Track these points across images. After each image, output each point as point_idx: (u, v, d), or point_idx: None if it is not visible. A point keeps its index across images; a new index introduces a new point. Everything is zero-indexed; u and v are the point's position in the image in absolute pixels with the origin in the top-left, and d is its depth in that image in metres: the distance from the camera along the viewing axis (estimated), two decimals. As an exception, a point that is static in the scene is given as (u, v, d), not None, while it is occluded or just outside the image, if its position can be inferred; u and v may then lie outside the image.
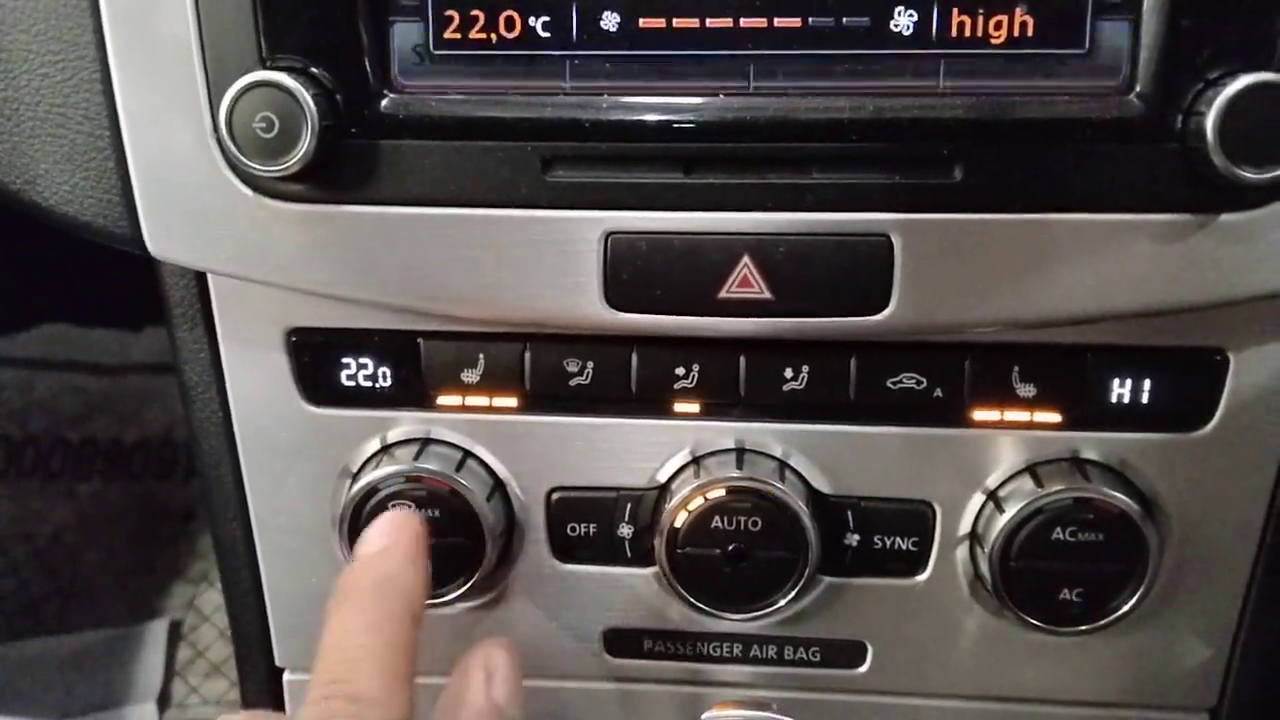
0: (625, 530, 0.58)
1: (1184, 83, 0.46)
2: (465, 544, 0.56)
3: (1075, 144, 0.47)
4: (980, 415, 0.55)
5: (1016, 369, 0.54)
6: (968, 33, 0.47)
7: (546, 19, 0.48)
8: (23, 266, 1.28)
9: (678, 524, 0.55)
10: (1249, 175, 0.45)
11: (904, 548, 0.57)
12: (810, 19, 0.47)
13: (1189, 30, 0.46)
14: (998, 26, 0.47)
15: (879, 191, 0.48)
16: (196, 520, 1.26)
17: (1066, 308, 0.49)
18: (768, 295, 0.50)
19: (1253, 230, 0.47)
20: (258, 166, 0.48)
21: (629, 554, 0.59)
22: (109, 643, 1.13)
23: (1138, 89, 0.47)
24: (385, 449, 0.58)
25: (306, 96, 0.47)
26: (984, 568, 0.55)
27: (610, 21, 0.48)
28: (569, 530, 0.59)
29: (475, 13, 0.48)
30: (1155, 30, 0.46)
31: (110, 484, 1.27)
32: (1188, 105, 0.46)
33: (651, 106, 0.48)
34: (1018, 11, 0.47)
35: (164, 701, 1.09)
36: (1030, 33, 0.47)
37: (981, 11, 0.47)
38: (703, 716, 0.47)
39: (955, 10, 0.47)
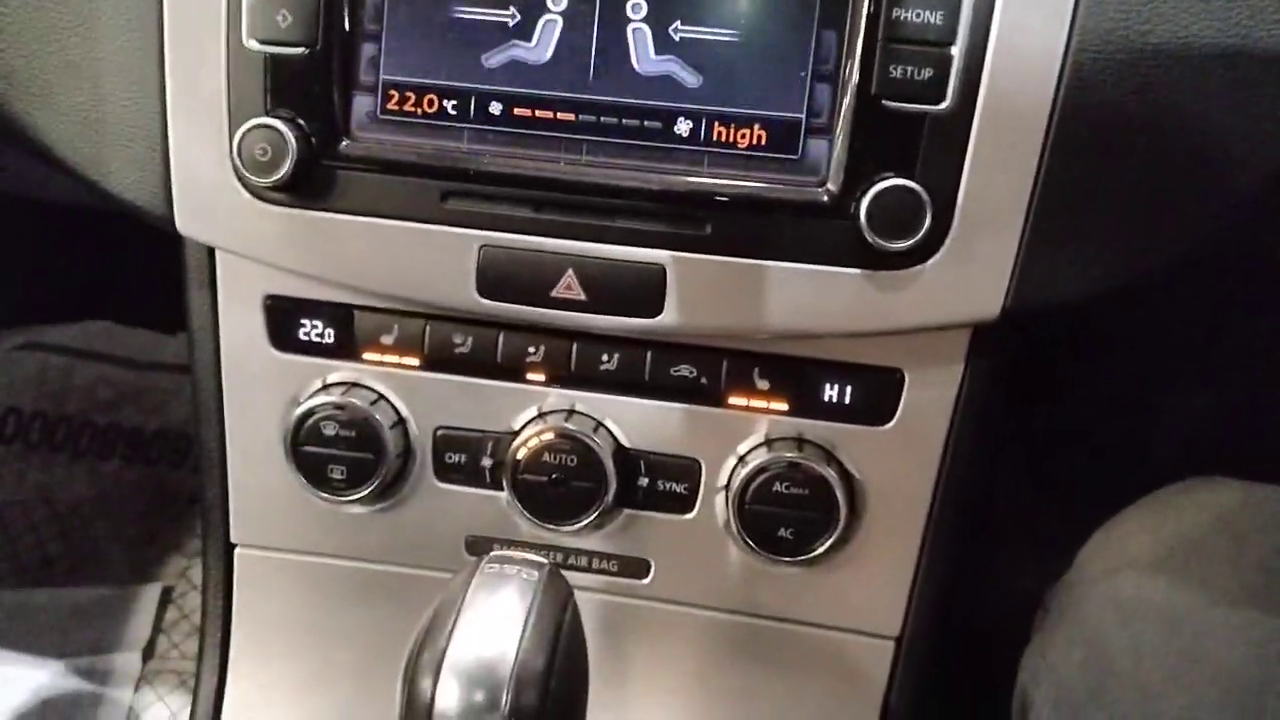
0: (487, 462, 0.79)
1: (855, 182, 0.67)
2: (372, 459, 0.78)
3: (788, 216, 0.69)
4: (733, 400, 0.76)
5: (757, 369, 0.75)
6: (724, 139, 0.70)
7: (454, 102, 0.72)
8: (79, 268, 1.44)
9: (519, 457, 0.76)
10: (888, 245, 0.67)
11: (679, 491, 0.78)
12: (623, 120, 0.71)
13: (860, 149, 0.67)
14: (743, 136, 0.70)
15: (658, 236, 0.70)
16: (198, 504, 1.40)
17: (782, 325, 0.71)
18: (584, 297, 0.72)
19: (904, 284, 0.69)
20: (254, 179, 0.71)
21: (488, 480, 0.78)
22: (107, 599, 1.25)
23: (828, 185, 0.69)
24: (324, 387, 0.79)
25: (290, 136, 0.69)
26: (731, 509, 0.77)
27: (495, 109, 0.71)
28: (447, 459, 0.80)
29: (409, 94, 0.72)
30: (842, 147, 0.68)
31: (128, 466, 1.41)
32: (857, 197, 0.67)
33: (516, 165, 0.71)
34: (755, 127, 0.70)
35: (148, 653, 1.21)
36: (764, 142, 0.70)
37: (733, 125, 0.70)
38: (489, 554, 0.67)
39: (716, 123, 0.70)
